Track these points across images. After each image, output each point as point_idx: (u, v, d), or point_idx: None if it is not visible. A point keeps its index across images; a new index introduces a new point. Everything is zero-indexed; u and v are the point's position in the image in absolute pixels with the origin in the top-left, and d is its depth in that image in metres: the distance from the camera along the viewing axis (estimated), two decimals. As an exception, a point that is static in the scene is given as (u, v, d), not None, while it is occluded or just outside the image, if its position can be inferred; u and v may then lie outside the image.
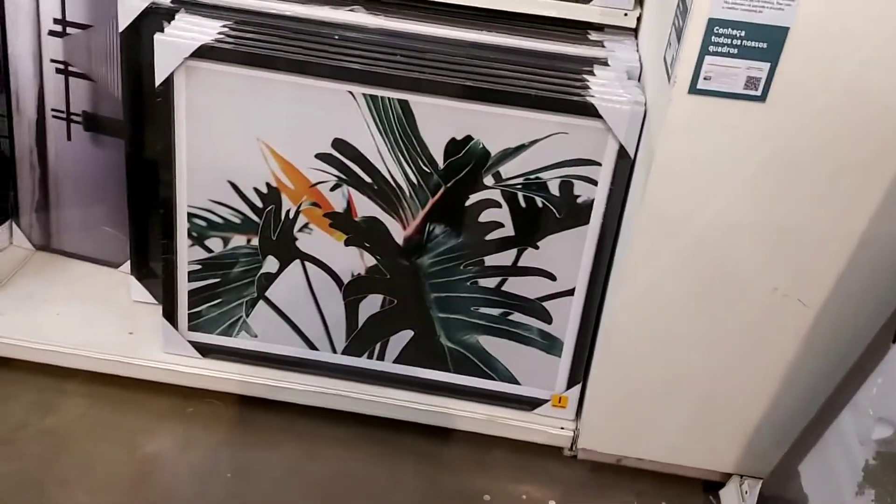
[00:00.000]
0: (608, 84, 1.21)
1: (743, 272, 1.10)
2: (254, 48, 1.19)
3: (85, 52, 1.41)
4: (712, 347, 1.19)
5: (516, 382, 1.35)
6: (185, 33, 1.20)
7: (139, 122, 1.36)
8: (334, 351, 1.37)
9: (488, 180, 1.22)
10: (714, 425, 1.27)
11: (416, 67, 1.20)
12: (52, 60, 1.44)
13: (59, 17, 1.40)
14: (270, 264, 1.32)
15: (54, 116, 1.47)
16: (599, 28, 1.40)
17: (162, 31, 1.20)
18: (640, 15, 1.35)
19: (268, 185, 1.27)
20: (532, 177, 1.21)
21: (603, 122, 1.16)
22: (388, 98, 1.19)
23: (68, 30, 1.40)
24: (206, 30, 1.22)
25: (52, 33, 1.41)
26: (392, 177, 1.24)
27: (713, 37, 0.93)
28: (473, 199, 1.24)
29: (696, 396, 1.24)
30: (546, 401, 1.35)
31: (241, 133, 1.23)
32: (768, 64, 0.93)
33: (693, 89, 0.96)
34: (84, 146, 1.49)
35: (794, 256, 1.07)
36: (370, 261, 1.30)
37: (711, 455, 1.30)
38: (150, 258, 1.47)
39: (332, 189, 1.26)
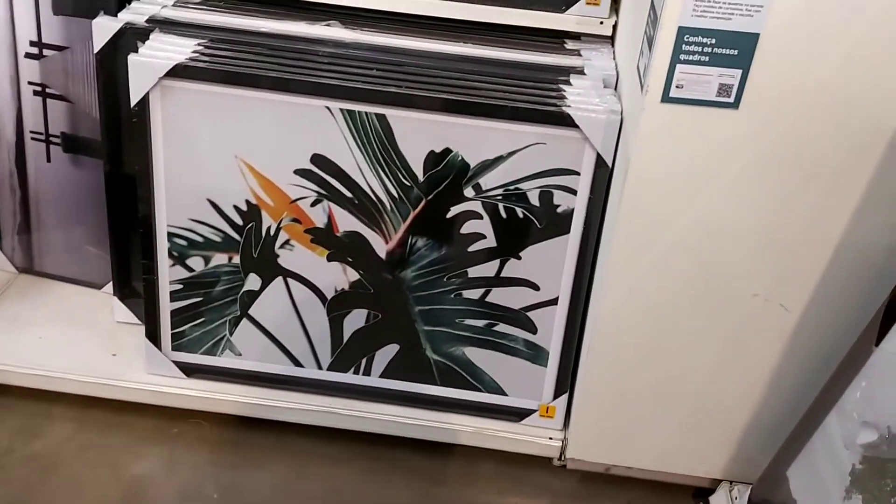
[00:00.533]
0: (584, 93, 1.21)
1: (723, 278, 1.10)
2: (229, 66, 1.19)
3: (62, 73, 1.41)
4: (697, 353, 1.18)
5: (503, 393, 1.35)
6: (159, 53, 1.20)
7: (117, 142, 1.35)
8: (320, 367, 1.36)
9: (469, 192, 1.22)
10: (702, 431, 1.26)
11: (392, 81, 1.20)
12: (30, 83, 1.43)
13: (35, 39, 1.39)
14: (252, 282, 1.31)
15: (33, 138, 1.47)
16: (576, 37, 1.40)
17: (136, 51, 1.20)
18: (616, 23, 1.35)
19: (247, 202, 1.26)
20: (512, 188, 1.21)
21: (580, 132, 1.16)
22: (366, 112, 1.19)
23: (45, 52, 1.40)
24: (181, 49, 1.21)
25: (28, 56, 1.41)
26: (372, 191, 1.24)
27: (684, 45, 0.93)
28: (454, 211, 1.23)
29: (684, 403, 1.24)
30: (533, 411, 1.34)
31: (219, 151, 1.23)
32: (740, 70, 0.93)
33: (666, 98, 0.96)
34: (64, 167, 1.48)
35: (773, 261, 1.07)
36: (353, 275, 1.30)
37: (700, 461, 1.30)
38: (132, 278, 1.46)
39: (313, 205, 1.26)
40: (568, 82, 1.24)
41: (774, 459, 1.17)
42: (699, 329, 1.16)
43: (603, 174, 1.17)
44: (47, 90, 1.43)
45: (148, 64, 1.18)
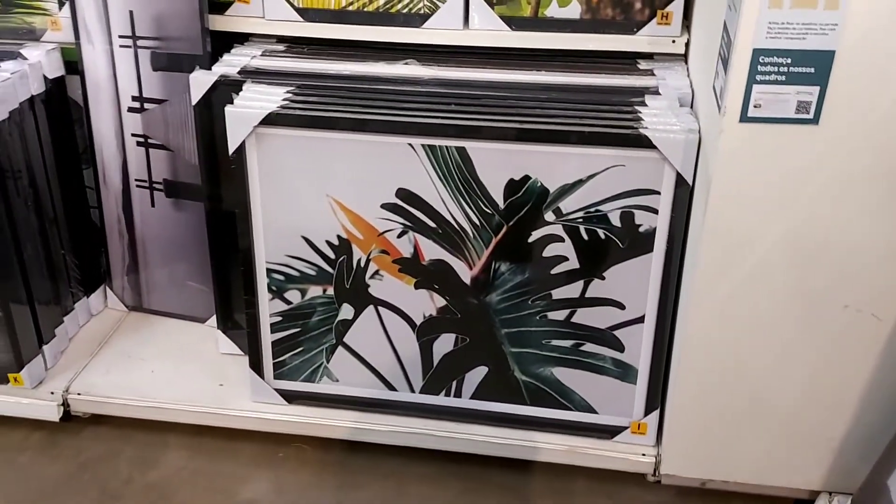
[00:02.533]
0: (660, 114, 1.23)
1: (812, 291, 1.10)
2: (316, 111, 1.26)
3: (162, 124, 1.51)
4: (789, 366, 1.18)
5: (594, 412, 1.37)
6: (252, 103, 1.28)
7: (216, 186, 1.44)
8: (412, 391, 1.42)
9: (549, 216, 1.25)
10: (798, 443, 1.25)
11: (470, 115, 1.25)
12: (133, 134, 1.54)
13: (136, 94, 1.50)
14: (346, 311, 1.38)
15: (138, 186, 1.58)
16: (649, 56, 1.42)
17: (231, 101, 1.29)
18: (689, 40, 1.37)
19: (339, 237, 1.33)
20: (592, 210, 1.24)
21: (658, 153, 1.18)
22: (446, 146, 1.24)
23: (146, 105, 1.51)
24: (272, 97, 1.29)
25: (131, 110, 1.52)
26: (455, 220, 1.28)
27: (759, 66, 0.94)
28: (536, 235, 1.27)
29: (778, 415, 1.23)
30: (625, 428, 1.36)
31: (311, 190, 1.30)
32: (817, 87, 0.94)
33: (744, 118, 0.98)
34: (166, 211, 1.59)
35: (862, 272, 1.07)
36: (440, 302, 1.34)
37: (798, 473, 1.29)
38: (233, 311, 1.55)
39: (399, 236, 1.31)
40: (643, 103, 1.27)
41: (874, 469, 1.15)
42: (790, 342, 1.16)
43: (683, 192, 1.19)
44: (149, 140, 1.54)
45: (243, 114, 1.26)
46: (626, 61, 1.42)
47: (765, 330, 1.15)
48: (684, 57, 1.40)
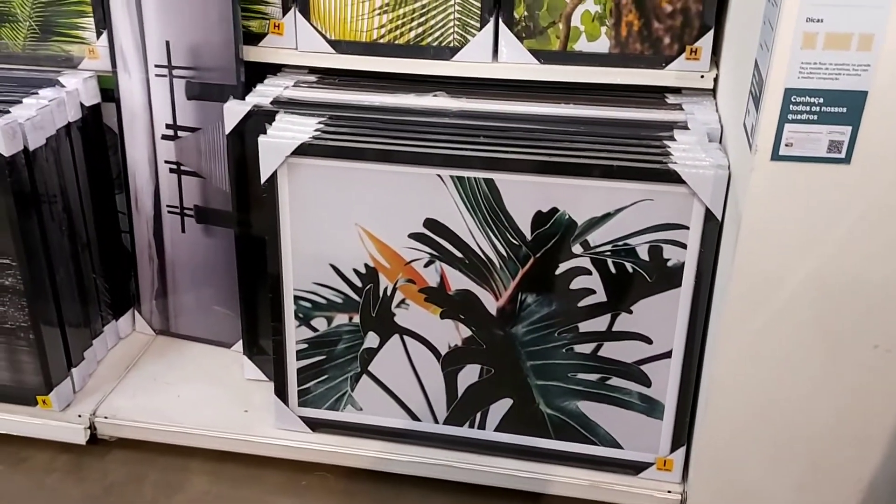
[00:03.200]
0: (689, 149, 1.23)
1: (842, 330, 1.09)
2: (347, 142, 1.28)
3: (195, 152, 1.54)
4: (818, 405, 1.17)
5: (619, 447, 1.36)
6: (285, 133, 1.30)
7: (246, 213, 1.46)
8: (436, 421, 1.41)
9: (577, 249, 1.26)
10: (827, 481, 1.23)
11: (498, 147, 1.26)
12: (166, 161, 1.57)
13: (170, 122, 1.53)
14: (371, 340, 1.38)
15: (169, 212, 1.60)
16: (677, 91, 1.43)
17: (264, 131, 1.31)
18: (717, 76, 1.37)
19: (366, 265, 1.34)
20: (620, 243, 1.24)
21: (687, 188, 1.18)
22: (475, 178, 1.25)
23: (179, 133, 1.53)
24: (304, 128, 1.31)
25: (164, 137, 1.55)
26: (482, 251, 1.29)
27: (791, 105, 0.94)
28: (563, 267, 1.27)
29: (806, 454, 1.22)
30: (651, 464, 1.35)
31: (340, 219, 1.31)
32: (850, 127, 0.94)
33: (775, 156, 0.98)
34: (197, 237, 1.61)
35: (891, 313, 1.06)
36: (466, 332, 1.35)
37: (827, 514, 1.27)
38: (259, 337, 1.56)
39: (426, 266, 1.32)
40: (672, 138, 1.27)
41: (907, 514, 1.13)
42: (818, 381, 1.15)
43: (713, 228, 1.19)
44: (182, 167, 1.56)
45: (276, 144, 1.28)
46: (654, 95, 1.42)
47: (793, 367, 1.14)
48: (713, 92, 1.40)
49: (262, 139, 1.28)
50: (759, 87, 0.98)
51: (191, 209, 1.59)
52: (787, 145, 0.97)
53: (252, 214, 1.46)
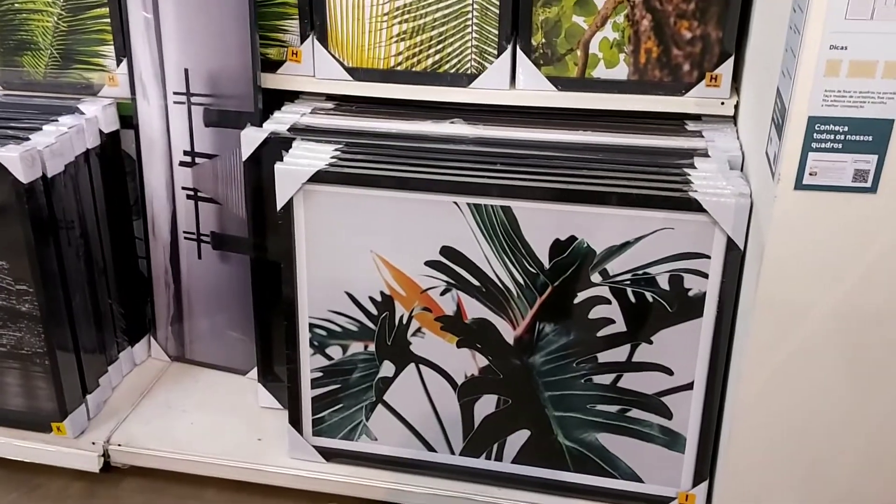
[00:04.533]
0: (710, 177, 1.21)
1: (870, 361, 1.06)
2: (364, 169, 1.27)
3: (212, 178, 1.54)
4: (845, 439, 1.13)
5: (639, 480, 1.33)
6: (301, 160, 1.29)
7: (262, 239, 1.46)
8: (452, 452, 1.39)
9: (595, 278, 1.24)
10: (856, 519, 1.20)
11: (516, 174, 1.24)
12: (183, 188, 1.57)
13: (188, 149, 1.54)
14: (387, 369, 1.37)
15: (186, 238, 1.60)
16: (696, 117, 1.42)
17: (281, 158, 1.30)
18: (738, 102, 1.36)
19: (382, 293, 1.33)
20: (640, 272, 1.22)
21: (709, 216, 1.16)
22: (492, 206, 1.24)
23: (197, 160, 1.54)
24: (320, 155, 1.31)
25: (182, 164, 1.55)
26: (499, 279, 1.27)
27: (815, 133, 0.93)
28: (582, 296, 1.25)
29: (832, 490, 1.18)
30: (672, 499, 1.31)
31: (356, 247, 1.30)
32: (875, 156, 0.92)
33: (799, 185, 0.96)
34: (213, 263, 1.61)
35: (925, 346, 1.03)
36: (482, 361, 1.33)
37: (856, 552, 1.23)
38: (274, 364, 1.55)
39: (442, 294, 1.30)
40: (692, 165, 1.25)
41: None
42: (846, 413, 1.11)
43: (735, 257, 1.16)
44: (199, 194, 1.56)
45: (292, 172, 1.27)
46: (673, 122, 1.41)
47: (820, 400, 1.11)
48: (733, 119, 1.38)
49: (278, 166, 1.28)
50: (782, 115, 0.96)
51: (207, 235, 1.59)
52: (810, 174, 0.95)
53: (268, 241, 1.45)
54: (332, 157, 1.30)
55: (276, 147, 1.36)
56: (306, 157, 1.31)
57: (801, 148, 0.94)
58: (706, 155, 1.28)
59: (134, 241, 1.65)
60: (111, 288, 1.59)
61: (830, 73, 0.89)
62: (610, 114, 1.41)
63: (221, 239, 1.58)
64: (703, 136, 1.35)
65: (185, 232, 1.60)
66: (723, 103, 1.36)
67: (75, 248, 1.47)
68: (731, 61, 1.34)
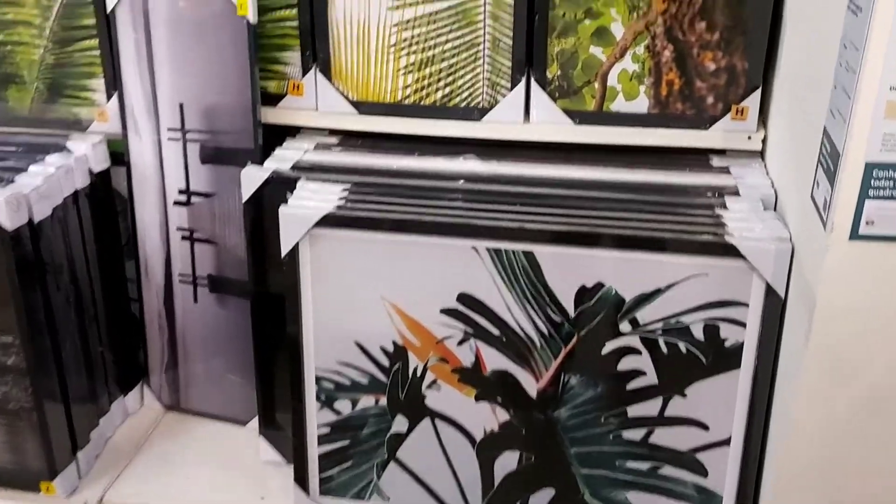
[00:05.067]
0: (744, 218, 1.14)
1: (930, 422, 0.99)
2: (375, 212, 1.19)
3: (208, 218, 1.46)
4: None
5: (672, 541, 1.25)
6: (307, 202, 1.21)
7: (264, 284, 1.37)
8: (470, 511, 1.31)
9: (625, 327, 1.16)
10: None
11: (537, 217, 1.17)
12: (178, 228, 1.48)
13: (183, 187, 1.45)
14: (400, 424, 1.28)
15: (181, 281, 1.51)
16: (721, 152, 1.35)
17: (284, 199, 1.22)
18: (765, 136, 1.29)
19: (394, 343, 1.24)
20: (672, 321, 1.14)
21: (746, 262, 1.09)
22: (513, 251, 1.16)
23: (192, 199, 1.45)
24: (328, 197, 1.23)
25: (177, 203, 1.46)
26: (521, 328, 1.20)
27: (872, 180, 0.86)
28: (610, 346, 1.17)
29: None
30: (706, 560, 1.24)
31: (367, 294, 1.22)
32: (941, 205, 0.85)
33: (854, 235, 0.89)
34: (210, 307, 1.52)
35: None
36: (503, 416, 1.24)
37: None
38: (276, 414, 1.46)
39: (460, 343, 1.22)
40: (724, 205, 1.18)
41: None
42: (897, 474, 1.04)
43: (775, 305, 1.09)
44: (195, 234, 1.48)
45: (298, 216, 1.19)
46: (697, 157, 1.34)
47: (871, 461, 1.04)
48: (760, 153, 1.32)
49: (283, 210, 1.20)
50: (833, 160, 0.89)
51: (204, 278, 1.50)
52: (867, 223, 0.88)
53: (270, 284, 1.36)
54: (340, 199, 1.22)
55: (278, 187, 1.28)
56: (313, 199, 1.23)
57: (856, 196, 0.87)
58: (737, 193, 1.21)
59: (126, 283, 1.56)
60: (102, 334, 1.50)
61: (891, 115, 0.83)
62: (630, 149, 1.34)
63: (219, 282, 1.49)
64: (730, 173, 1.28)
65: (180, 274, 1.51)
66: (750, 137, 1.30)
67: (64, 296, 1.38)
68: (758, 93, 1.27)
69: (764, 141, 1.29)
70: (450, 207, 1.20)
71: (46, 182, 1.29)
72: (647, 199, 1.20)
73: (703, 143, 1.31)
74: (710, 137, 1.31)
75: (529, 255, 1.16)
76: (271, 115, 1.41)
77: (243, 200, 1.31)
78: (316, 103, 1.41)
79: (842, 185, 0.87)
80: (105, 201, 1.47)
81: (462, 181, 1.28)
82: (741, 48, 1.26)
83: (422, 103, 1.38)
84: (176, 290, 1.53)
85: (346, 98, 1.39)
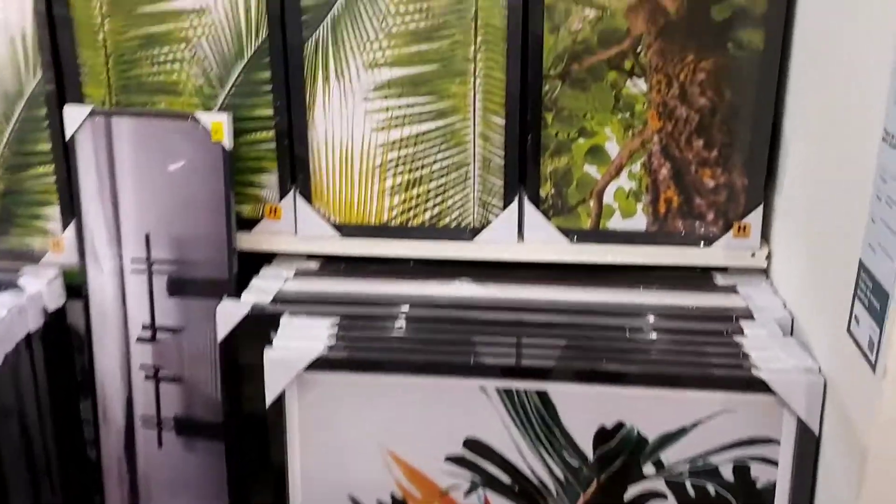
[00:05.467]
0: (765, 346, 1.08)
1: None
2: (371, 351, 1.09)
3: (175, 355, 1.33)
4: None
5: None
6: (294, 343, 1.11)
7: (241, 431, 1.25)
8: None
9: (648, 469, 1.07)
10: None
11: (549, 352, 1.09)
12: (142, 366, 1.35)
13: (147, 322, 1.32)
14: (400, 585, 1.15)
15: (144, 424, 1.37)
16: (723, 269, 1.30)
17: (266, 336, 1.11)
18: (769, 253, 1.25)
19: (392, 496, 1.13)
20: (700, 462, 1.06)
21: (776, 397, 1.02)
22: (525, 391, 1.07)
23: (158, 335, 1.32)
24: (316, 334, 1.12)
25: (140, 339, 1.33)
26: (535, 474, 1.09)
27: (928, 322, 0.80)
28: (633, 491, 1.08)
29: None
30: None
31: (362, 442, 1.11)
32: None
33: (911, 379, 0.83)
34: (176, 452, 1.37)
35: None
36: (517, 571, 1.13)
37: None
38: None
39: (467, 494, 1.11)
40: (740, 331, 1.12)
41: None
42: None
43: (808, 442, 1.02)
44: (160, 373, 1.34)
45: (285, 360, 1.08)
46: (700, 275, 1.29)
47: None
48: (764, 271, 1.27)
49: (269, 353, 1.09)
50: (880, 299, 0.84)
51: (170, 419, 1.36)
52: (923, 367, 0.82)
53: (249, 432, 1.23)
54: (331, 337, 1.12)
55: (259, 323, 1.17)
56: (299, 339, 1.12)
57: (912, 338, 0.81)
58: (750, 317, 1.16)
59: (81, 428, 1.41)
60: (55, 485, 1.34)
61: (942, 255, 0.78)
62: (629, 268, 1.29)
63: (187, 424, 1.35)
64: (737, 292, 1.23)
65: (142, 416, 1.37)
66: (753, 255, 1.25)
67: (13, 449, 1.22)
68: (760, 209, 1.24)
69: (768, 258, 1.25)
70: (452, 342, 1.11)
71: (-4, 328, 1.16)
72: (660, 327, 1.14)
73: (706, 261, 1.27)
74: (712, 255, 1.26)
75: (543, 395, 1.07)
76: (246, 241, 1.32)
77: (219, 339, 1.20)
78: (295, 227, 1.32)
79: (892, 326, 0.82)
80: (60, 341, 1.33)
81: (460, 309, 1.19)
82: (740, 164, 1.23)
83: (409, 224, 1.30)
84: (138, 434, 1.38)
85: (328, 221, 1.31)
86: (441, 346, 1.10)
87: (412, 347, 1.10)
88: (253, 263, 1.34)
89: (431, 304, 1.21)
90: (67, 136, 1.25)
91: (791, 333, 1.14)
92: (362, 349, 1.10)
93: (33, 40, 1.26)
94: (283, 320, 1.16)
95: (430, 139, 1.27)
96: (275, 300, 1.22)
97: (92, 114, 1.24)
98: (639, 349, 1.09)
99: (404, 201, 1.30)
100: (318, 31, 1.22)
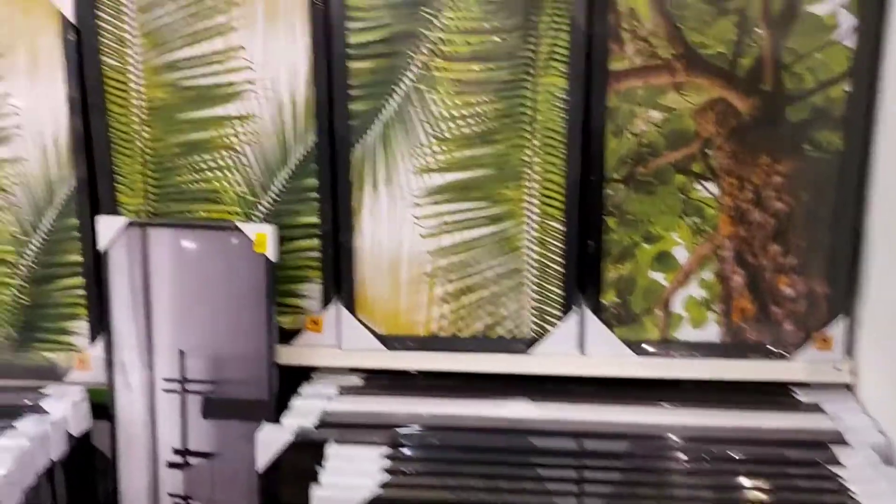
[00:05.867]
0: (866, 478, 0.97)
1: None
2: (429, 488, 0.99)
3: (209, 482, 1.22)
4: None
5: None
6: (343, 480, 1.00)
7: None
8: None
9: None
10: None
11: (632, 489, 0.98)
12: (170, 494, 1.24)
13: (179, 446, 1.22)
14: None
15: (172, 557, 1.25)
16: (804, 384, 1.20)
17: (309, 467, 1.02)
18: (854, 367, 1.15)
19: None
20: None
21: (893, 544, 0.91)
22: (600, 533, 0.96)
23: (190, 460, 1.22)
24: (367, 466, 1.02)
25: (171, 465, 1.23)
26: None
27: None
28: None
29: None
30: None
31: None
32: None
33: None
34: (206, 588, 1.25)
35: None
36: None
37: None
38: None
39: None
40: (836, 460, 1.01)
41: None
42: None
43: None
44: (190, 502, 1.23)
45: (335, 499, 0.98)
46: (778, 390, 1.19)
47: None
48: (848, 386, 1.17)
49: (316, 492, 0.98)
50: None
51: (201, 552, 1.24)
52: None
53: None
54: (384, 471, 1.01)
55: (303, 451, 1.07)
56: (349, 474, 1.01)
57: None
58: (843, 442, 1.05)
59: (103, 561, 1.29)
60: None
61: None
62: (699, 384, 1.19)
63: (220, 557, 1.24)
64: (824, 412, 1.12)
65: (171, 548, 1.26)
66: (838, 368, 1.15)
67: None
68: (842, 320, 1.14)
69: (853, 372, 1.15)
70: (520, 477, 1.00)
71: (17, 463, 1.05)
72: (746, 456, 1.03)
73: (786, 375, 1.17)
74: (793, 369, 1.16)
75: (620, 538, 0.96)
76: (285, 355, 1.23)
77: (260, 469, 1.09)
78: (337, 339, 1.23)
79: None
80: (84, 467, 1.22)
81: (518, 435, 1.09)
82: (821, 271, 1.14)
83: (459, 335, 1.21)
84: (166, 569, 1.26)
85: (373, 332, 1.22)
86: (508, 482, 0.99)
87: (478, 483, 0.99)
88: (292, 378, 1.25)
89: (491, 429, 1.11)
90: (101, 246, 1.18)
91: (893, 462, 1.03)
92: (419, 487, 0.99)
93: (67, 147, 1.20)
94: (330, 450, 1.06)
95: (482, 245, 1.19)
96: (319, 424, 1.12)
97: (128, 224, 1.18)
98: (724, 485, 0.98)
99: (454, 311, 1.21)
100: (366, 136, 1.16)
